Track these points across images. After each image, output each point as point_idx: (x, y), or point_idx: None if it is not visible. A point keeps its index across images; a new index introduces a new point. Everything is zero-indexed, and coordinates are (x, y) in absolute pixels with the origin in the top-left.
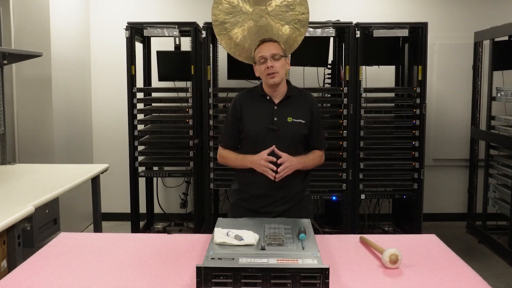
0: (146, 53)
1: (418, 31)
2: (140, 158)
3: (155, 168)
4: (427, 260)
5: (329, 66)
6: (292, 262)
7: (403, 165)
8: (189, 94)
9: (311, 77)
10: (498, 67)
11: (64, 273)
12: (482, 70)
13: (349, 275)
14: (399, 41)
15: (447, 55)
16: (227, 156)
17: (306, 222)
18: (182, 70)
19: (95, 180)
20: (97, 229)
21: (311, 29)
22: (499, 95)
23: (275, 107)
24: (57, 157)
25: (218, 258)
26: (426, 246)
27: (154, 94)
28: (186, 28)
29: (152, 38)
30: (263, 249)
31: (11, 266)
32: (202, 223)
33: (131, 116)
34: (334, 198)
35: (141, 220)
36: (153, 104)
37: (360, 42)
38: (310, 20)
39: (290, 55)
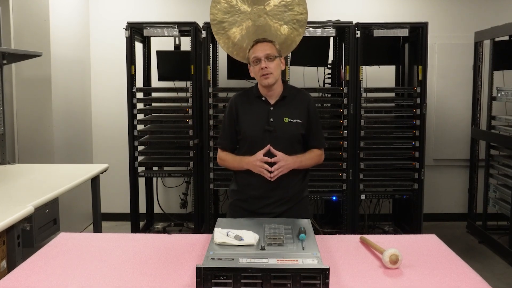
0: (146, 53)
1: (418, 31)
2: (140, 158)
3: (155, 168)
4: (427, 260)
5: (329, 66)
6: (292, 262)
7: (403, 165)
8: (189, 94)
9: (311, 77)
10: (499, 67)
11: (64, 273)
12: (483, 70)
13: (349, 275)
14: (399, 41)
15: (448, 55)
16: (225, 158)
17: (306, 222)
18: (182, 70)
19: (94, 180)
20: (97, 229)
21: (311, 29)
22: (499, 95)
23: (271, 108)
24: (57, 157)
25: (218, 258)
26: (427, 246)
27: (154, 94)
28: (186, 28)
29: (152, 38)
30: (263, 249)
31: (11, 266)
32: (202, 223)
33: (131, 116)
34: (334, 198)
35: (141, 220)
36: (153, 104)
37: (360, 42)
38: (310, 20)
39: (289, 55)
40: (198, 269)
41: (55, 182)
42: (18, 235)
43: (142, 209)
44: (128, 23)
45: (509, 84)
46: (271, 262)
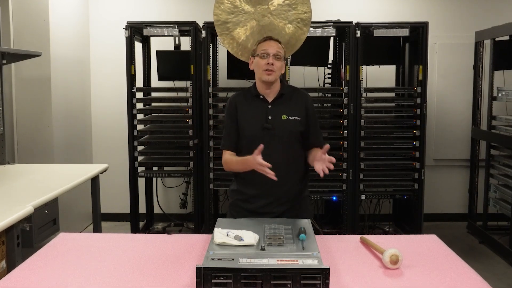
0: (146, 53)
1: (418, 30)
2: (140, 158)
3: (155, 168)
4: (427, 261)
5: (329, 66)
6: (292, 262)
7: (404, 165)
8: (188, 94)
9: (311, 77)
10: (499, 67)
11: (64, 274)
12: (483, 70)
13: (350, 276)
14: (399, 41)
15: (448, 55)
16: (229, 161)
17: (306, 223)
18: (182, 70)
19: (94, 180)
20: (97, 229)
21: (311, 29)
22: (500, 95)
23: (269, 106)
24: (57, 157)
25: (218, 259)
26: (427, 246)
27: (153, 94)
28: (186, 28)
29: (151, 38)
30: (263, 249)
31: (10, 267)
32: (202, 223)
33: (131, 116)
34: (334, 198)
35: (141, 221)
36: (152, 104)
37: (360, 42)
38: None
39: (290, 56)
40: (198, 269)
41: (55, 182)
42: (17, 235)
43: (142, 209)
44: (127, 22)
45: (509, 84)
46: (271, 262)
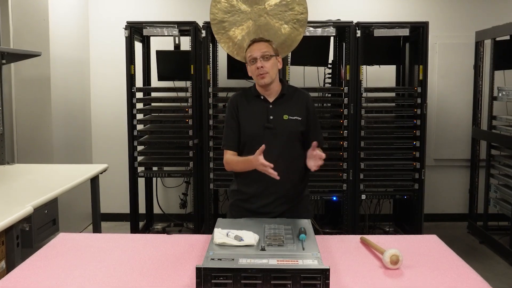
0: (146, 53)
1: (419, 30)
2: (140, 158)
3: (155, 168)
4: (428, 261)
5: (329, 66)
6: (292, 262)
7: (404, 165)
8: (188, 94)
9: (312, 76)
10: (500, 67)
11: (63, 274)
12: (483, 70)
13: (350, 276)
14: (399, 41)
15: (448, 55)
16: (231, 161)
17: (306, 223)
18: (182, 70)
19: (94, 180)
20: (96, 229)
21: (311, 29)
22: (500, 94)
23: (270, 106)
24: (56, 157)
25: (218, 259)
26: (427, 246)
27: (153, 94)
28: (186, 28)
29: (151, 38)
30: (263, 249)
31: (10, 267)
32: (201, 223)
33: (131, 116)
34: (334, 198)
35: (141, 221)
36: (152, 104)
37: (360, 42)
38: (310, 19)
39: (290, 54)
40: (198, 269)
41: (54, 182)
42: (17, 236)
43: (142, 209)
44: (127, 22)
45: (510, 84)
46: (271, 262)
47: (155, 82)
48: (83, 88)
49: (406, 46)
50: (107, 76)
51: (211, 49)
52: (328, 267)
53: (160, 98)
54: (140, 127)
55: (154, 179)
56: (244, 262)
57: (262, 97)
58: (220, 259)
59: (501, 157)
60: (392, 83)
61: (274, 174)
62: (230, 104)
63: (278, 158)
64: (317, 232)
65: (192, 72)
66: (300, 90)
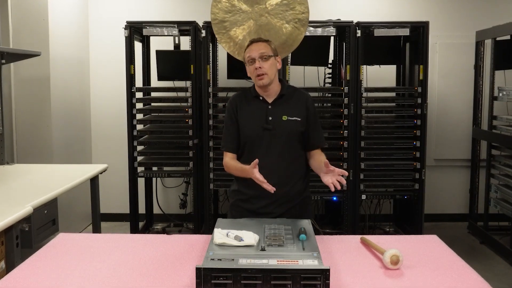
0: (145, 53)
1: (419, 30)
2: (139, 158)
3: (155, 168)
4: (428, 261)
5: (329, 66)
6: (292, 263)
7: (404, 165)
8: (188, 94)
9: (312, 76)
10: (500, 67)
11: (63, 274)
12: (484, 70)
13: (350, 276)
14: (400, 40)
15: (449, 55)
16: (229, 166)
17: (307, 223)
18: (182, 70)
19: (94, 181)
20: (96, 229)
21: (311, 28)
22: (500, 94)
23: (269, 107)
24: (56, 157)
25: (218, 259)
26: (427, 246)
27: (153, 94)
28: (186, 27)
29: (151, 38)
30: (263, 250)
31: (9, 267)
32: (201, 223)
33: (130, 116)
34: (334, 198)
35: (140, 221)
36: (152, 104)
37: (361, 41)
38: (311, 19)
39: (290, 54)
40: (198, 269)
41: (54, 183)
42: (16, 236)
43: (142, 209)
44: (127, 22)
45: (510, 84)
46: (271, 262)
47: (155, 82)
48: (83, 88)
49: (406, 46)
50: (107, 76)
51: (211, 49)
52: (328, 267)
53: (160, 98)
54: (140, 127)
55: (154, 179)
56: (244, 262)
57: (261, 98)
58: (220, 259)
59: (502, 157)
60: (392, 83)
61: (269, 187)
62: (229, 105)
63: (278, 159)
64: (317, 232)
65: (192, 72)
66: (300, 90)
